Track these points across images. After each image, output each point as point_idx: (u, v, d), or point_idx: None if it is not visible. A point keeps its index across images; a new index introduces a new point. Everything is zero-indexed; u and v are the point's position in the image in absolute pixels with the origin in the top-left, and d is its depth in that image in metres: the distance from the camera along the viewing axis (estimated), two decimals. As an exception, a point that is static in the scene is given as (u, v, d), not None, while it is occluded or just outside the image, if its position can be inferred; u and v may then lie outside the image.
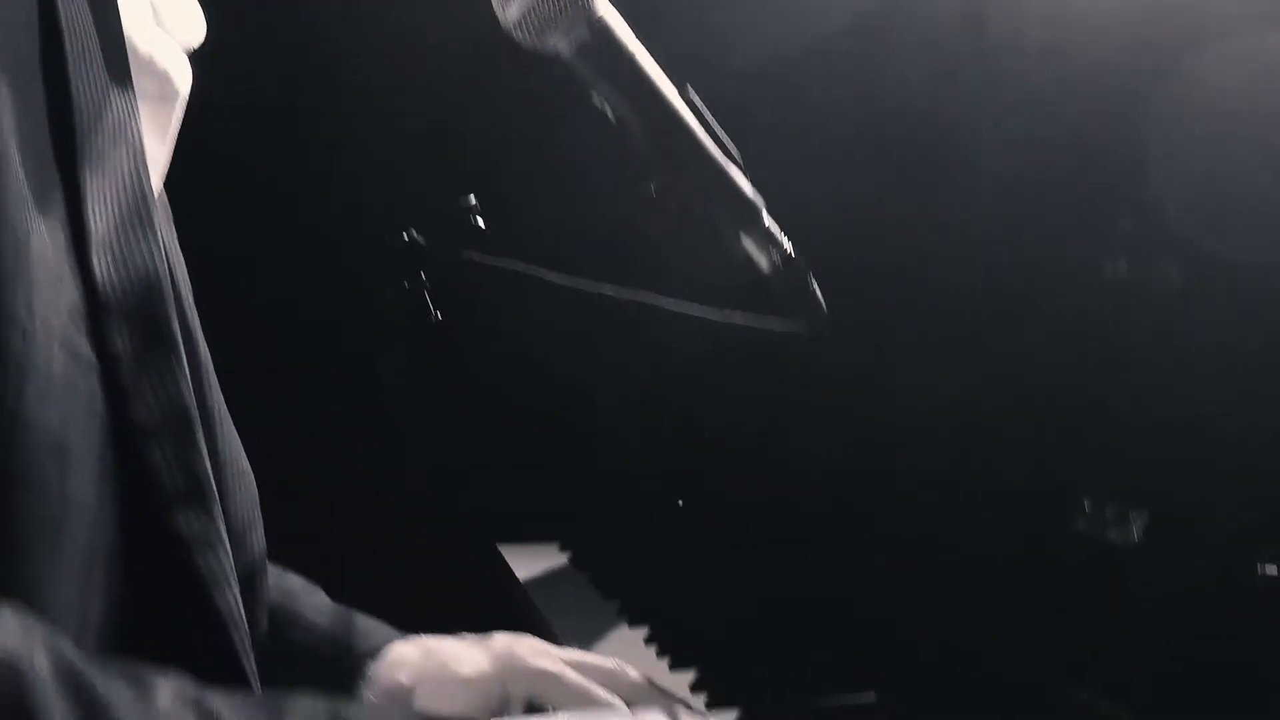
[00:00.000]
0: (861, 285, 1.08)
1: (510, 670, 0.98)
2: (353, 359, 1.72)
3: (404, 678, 1.00)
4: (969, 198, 1.05)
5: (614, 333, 1.53)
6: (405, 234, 1.65)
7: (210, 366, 0.93)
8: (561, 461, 1.74)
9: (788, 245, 0.91)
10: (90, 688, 0.61)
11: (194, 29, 0.88)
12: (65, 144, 0.74)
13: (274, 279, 1.77)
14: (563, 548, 1.68)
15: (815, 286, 0.91)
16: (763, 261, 0.91)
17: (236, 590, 0.80)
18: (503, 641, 1.01)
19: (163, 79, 0.84)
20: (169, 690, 0.66)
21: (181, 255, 0.93)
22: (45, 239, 0.70)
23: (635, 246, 1.16)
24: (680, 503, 1.71)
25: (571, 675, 0.98)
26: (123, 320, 0.74)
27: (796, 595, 1.31)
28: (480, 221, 1.45)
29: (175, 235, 0.93)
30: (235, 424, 0.94)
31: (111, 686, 0.62)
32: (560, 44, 0.87)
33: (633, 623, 1.37)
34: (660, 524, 1.61)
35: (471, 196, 1.46)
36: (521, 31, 0.86)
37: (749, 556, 1.43)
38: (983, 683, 0.97)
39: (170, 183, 0.92)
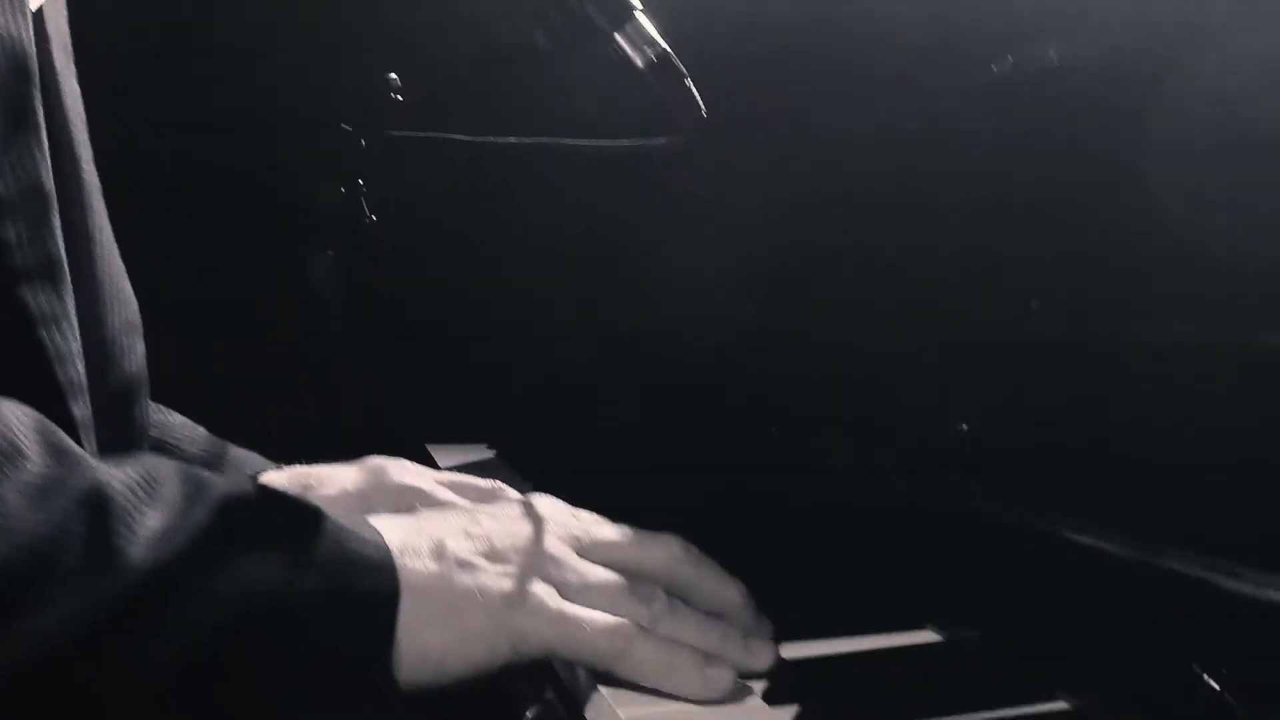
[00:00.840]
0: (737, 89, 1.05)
1: (376, 487, 0.96)
2: (281, 262, 1.70)
3: None
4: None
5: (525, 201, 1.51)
6: (342, 126, 1.63)
7: (96, 193, 0.93)
8: (493, 359, 1.72)
9: (663, 44, 0.90)
10: None
11: None
12: None
13: (197, 184, 1.75)
14: (490, 446, 1.66)
15: (692, 86, 0.90)
16: (638, 59, 0.89)
17: (81, 369, 0.80)
18: (375, 463, 1.00)
19: None
20: (11, 404, 0.66)
21: (78, 90, 0.93)
22: None
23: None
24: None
25: (441, 491, 0.96)
26: None
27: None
28: (401, 98, 1.43)
29: (74, 72, 0.94)
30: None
31: None
32: None
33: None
34: (594, 425, 1.59)
35: (394, 75, 1.45)
36: None
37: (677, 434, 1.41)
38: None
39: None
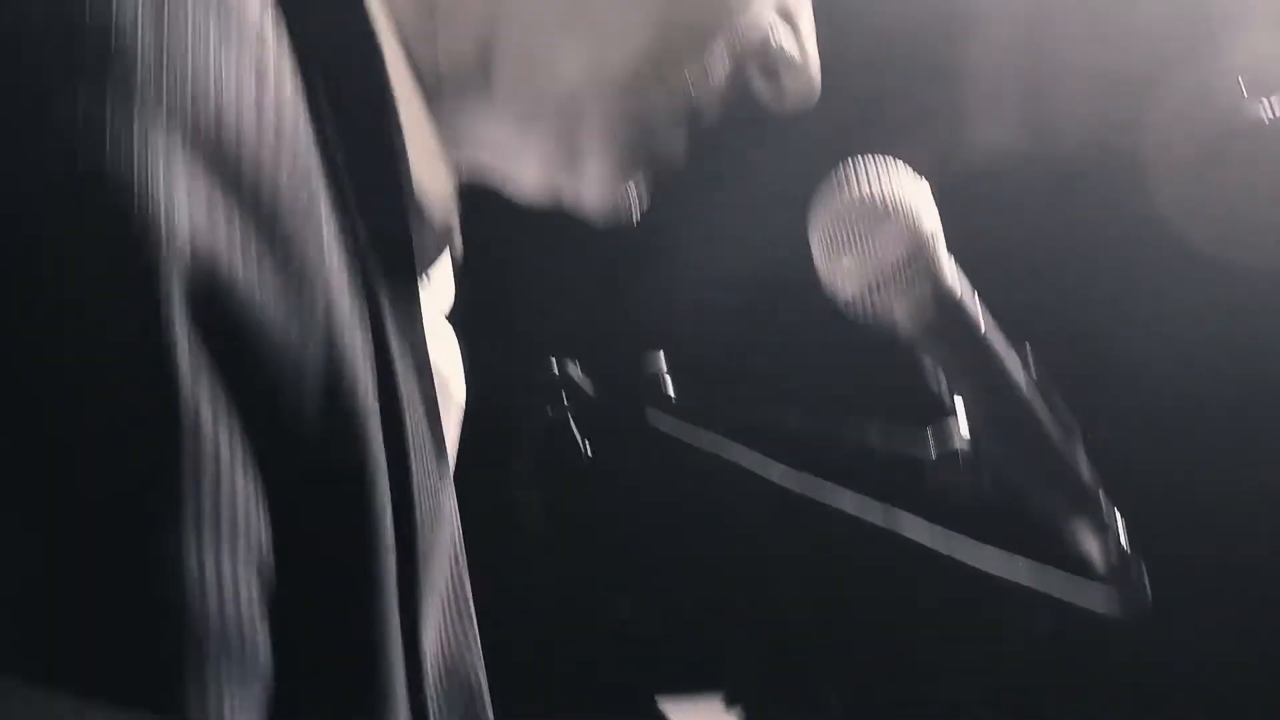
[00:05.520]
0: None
1: None
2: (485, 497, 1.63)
3: None
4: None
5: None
6: (553, 362, 1.57)
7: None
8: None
9: (1123, 535, 0.86)
10: None
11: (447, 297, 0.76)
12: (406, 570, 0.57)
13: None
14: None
15: (1145, 579, 0.86)
16: (1095, 554, 0.85)
17: None
18: None
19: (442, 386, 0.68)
20: None
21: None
22: None
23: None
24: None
25: None
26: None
27: None
28: (670, 386, 1.37)
29: None
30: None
31: None
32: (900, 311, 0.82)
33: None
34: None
35: (661, 355, 1.38)
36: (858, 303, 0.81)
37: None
38: None
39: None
